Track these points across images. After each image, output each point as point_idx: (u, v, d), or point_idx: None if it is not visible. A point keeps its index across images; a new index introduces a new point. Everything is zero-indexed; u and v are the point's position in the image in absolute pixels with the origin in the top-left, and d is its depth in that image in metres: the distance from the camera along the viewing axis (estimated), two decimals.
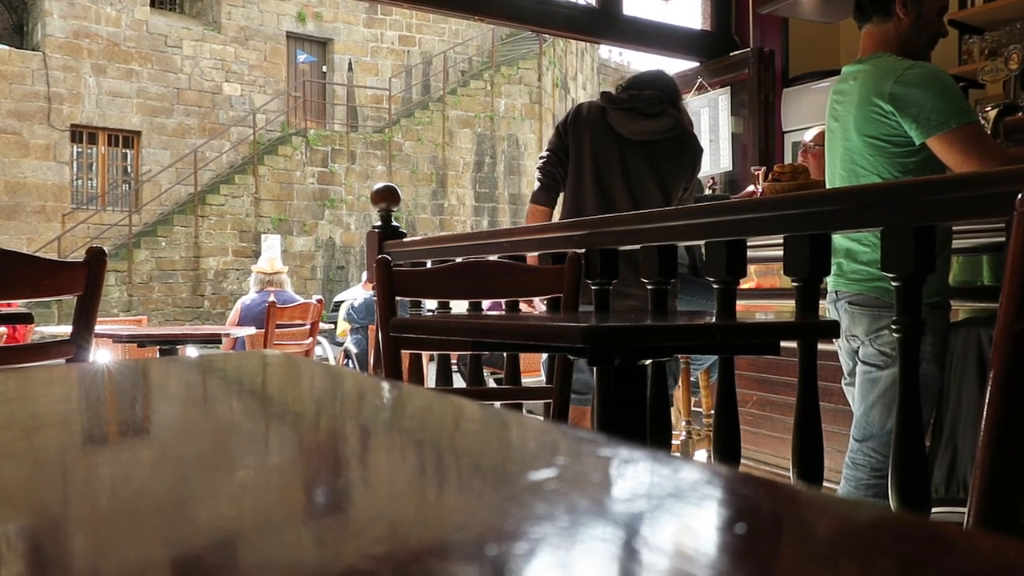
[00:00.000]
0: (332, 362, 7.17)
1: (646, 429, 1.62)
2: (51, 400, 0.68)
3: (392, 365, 1.94)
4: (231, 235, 13.82)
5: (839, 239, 2.07)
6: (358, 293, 7.21)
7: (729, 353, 1.79)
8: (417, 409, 0.62)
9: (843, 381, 2.20)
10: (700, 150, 2.85)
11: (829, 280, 2.10)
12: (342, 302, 7.92)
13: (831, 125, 2.17)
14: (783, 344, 1.47)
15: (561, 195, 2.80)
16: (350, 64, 16.29)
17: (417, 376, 2.38)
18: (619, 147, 2.73)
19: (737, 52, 4.69)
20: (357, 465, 0.47)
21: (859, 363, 2.05)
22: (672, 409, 2.45)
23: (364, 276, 6.91)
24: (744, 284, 1.94)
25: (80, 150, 14.08)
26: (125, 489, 0.38)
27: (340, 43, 16.26)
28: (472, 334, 1.62)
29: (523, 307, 2.87)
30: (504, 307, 2.50)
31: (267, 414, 0.64)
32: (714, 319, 1.71)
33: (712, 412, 2.62)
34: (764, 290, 3.05)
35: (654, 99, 2.73)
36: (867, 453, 2.02)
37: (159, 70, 14.50)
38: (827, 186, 2.19)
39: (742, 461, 1.92)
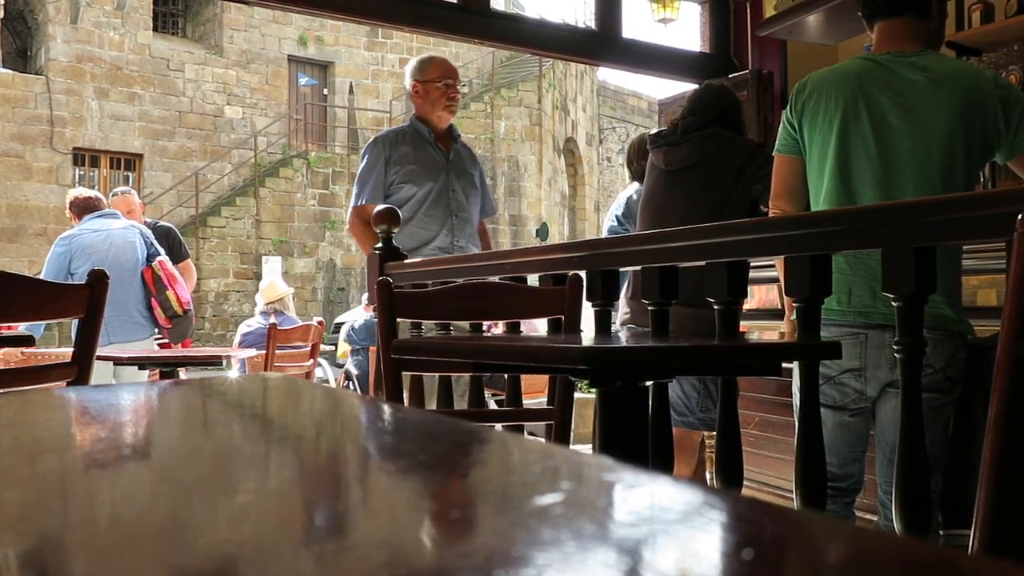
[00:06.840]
0: (333, 384, 7.15)
1: (648, 451, 1.61)
2: (52, 423, 0.67)
3: (393, 387, 1.94)
4: (232, 257, 13.84)
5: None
6: (359, 315, 7.19)
7: (731, 374, 1.78)
8: (418, 432, 0.62)
9: (841, 415, 1.95)
10: (748, 146, 2.75)
11: (834, 303, 1.89)
12: (343, 324, 7.91)
13: (888, 121, 1.89)
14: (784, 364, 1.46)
15: None
16: (351, 87, 16.39)
17: (418, 398, 2.38)
18: (660, 181, 2.81)
19: (736, 74, 4.72)
20: (359, 489, 0.47)
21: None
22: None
23: (365, 298, 6.89)
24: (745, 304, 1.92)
25: (82, 173, 14.13)
26: (127, 513, 0.38)
27: (341, 66, 16.36)
28: (474, 355, 1.62)
29: (500, 328, 2.88)
30: (503, 328, 2.49)
31: (268, 438, 0.64)
32: (716, 340, 1.71)
33: (714, 434, 2.61)
34: (765, 310, 3.05)
35: (687, 126, 2.77)
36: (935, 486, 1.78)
37: (161, 93, 14.60)
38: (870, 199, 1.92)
39: (745, 483, 1.90)
